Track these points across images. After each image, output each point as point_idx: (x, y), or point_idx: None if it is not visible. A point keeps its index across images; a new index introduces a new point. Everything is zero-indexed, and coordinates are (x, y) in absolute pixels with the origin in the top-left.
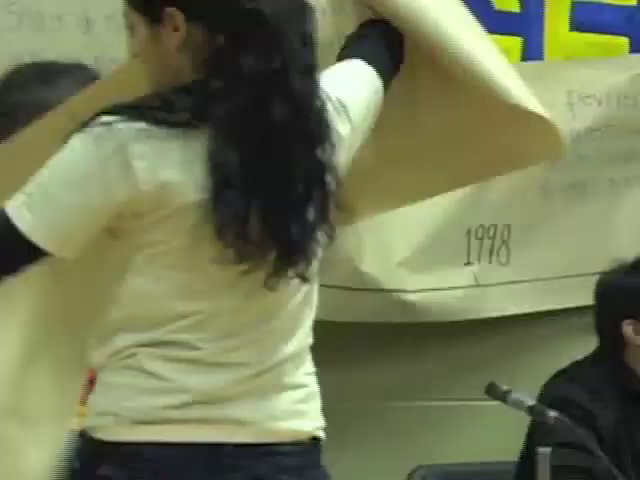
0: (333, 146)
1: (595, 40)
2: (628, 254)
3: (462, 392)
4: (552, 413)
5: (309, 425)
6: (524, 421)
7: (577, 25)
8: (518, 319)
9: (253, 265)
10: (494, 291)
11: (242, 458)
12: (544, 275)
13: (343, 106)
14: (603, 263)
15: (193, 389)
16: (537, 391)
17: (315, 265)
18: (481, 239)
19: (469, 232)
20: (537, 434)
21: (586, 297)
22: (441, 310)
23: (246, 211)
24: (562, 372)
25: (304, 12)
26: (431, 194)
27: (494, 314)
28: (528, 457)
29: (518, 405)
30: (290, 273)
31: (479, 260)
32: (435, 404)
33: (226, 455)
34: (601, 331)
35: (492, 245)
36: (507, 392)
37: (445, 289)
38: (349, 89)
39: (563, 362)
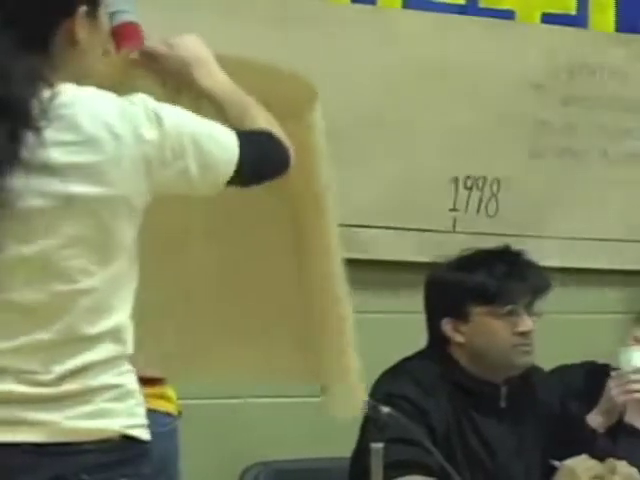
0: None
1: None
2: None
3: (296, 389)
4: (385, 409)
5: (117, 424)
6: (359, 417)
7: None
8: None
9: None
10: (477, 241)
11: (42, 457)
12: (530, 232)
13: (158, 117)
14: (598, 229)
15: None
16: None
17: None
18: (470, 189)
19: (456, 180)
20: (370, 430)
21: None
22: (416, 250)
23: None
24: (392, 368)
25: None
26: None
27: None
28: (361, 452)
29: None
30: None
31: (466, 209)
32: (268, 401)
33: (23, 454)
34: (428, 328)
35: (481, 196)
36: None
37: (422, 231)
38: (182, 119)
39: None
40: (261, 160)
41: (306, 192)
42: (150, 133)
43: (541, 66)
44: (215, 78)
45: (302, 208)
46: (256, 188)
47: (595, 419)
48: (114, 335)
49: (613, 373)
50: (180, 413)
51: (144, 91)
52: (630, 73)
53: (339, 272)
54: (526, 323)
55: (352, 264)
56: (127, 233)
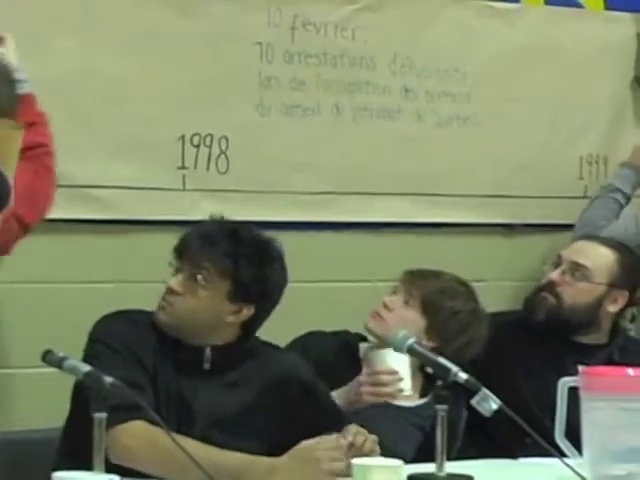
0: None
1: None
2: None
3: (25, 359)
4: (108, 379)
5: None
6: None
7: None
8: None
9: None
10: (208, 198)
11: None
12: (262, 188)
13: None
14: (319, 183)
15: None
16: None
17: None
18: (197, 147)
19: (183, 138)
20: (92, 399)
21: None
22: (144, 209)
23: None
24: (115, 313)
25: None
26: None
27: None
28: (76, 421)
29: (74, 371)
30: None
31: (196, 167)
32: None
33: None
34: None
35: (210, 153)
36: (64, 359)
37: (153, 189)
38: None
39: None
40: None
41: None
42: None
43: (264, 22)
44: None
45: None
46: None
47: (338, 400)
48: None
49: (365, 369)
50: None
51: None
52: (355, 29)
53: None
54: (170, 282)
55: (88, 224)
56: None
